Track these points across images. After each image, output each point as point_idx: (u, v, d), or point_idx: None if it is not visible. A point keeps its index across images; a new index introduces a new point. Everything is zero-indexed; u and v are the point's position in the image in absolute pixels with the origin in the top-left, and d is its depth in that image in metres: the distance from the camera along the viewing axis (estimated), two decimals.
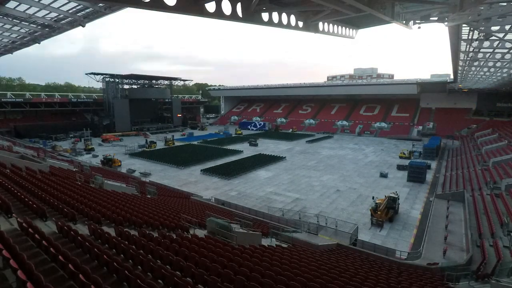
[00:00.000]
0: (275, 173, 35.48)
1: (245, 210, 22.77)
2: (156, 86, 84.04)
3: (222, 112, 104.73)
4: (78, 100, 77.68)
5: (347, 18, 12.21)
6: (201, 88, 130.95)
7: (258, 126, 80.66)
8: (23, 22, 16.08)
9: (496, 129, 46.98)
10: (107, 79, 69.88)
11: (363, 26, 15.50)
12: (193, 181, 32.54)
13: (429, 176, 33.28)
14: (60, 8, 13.97)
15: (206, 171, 35.79)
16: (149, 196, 23.85)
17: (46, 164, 26.65)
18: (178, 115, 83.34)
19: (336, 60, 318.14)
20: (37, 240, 7.57)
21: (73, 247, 8.34)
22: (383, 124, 68.74)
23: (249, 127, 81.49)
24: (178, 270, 7.91)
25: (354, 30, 15.42)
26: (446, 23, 11.66)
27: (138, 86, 79.44)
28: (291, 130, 76.39)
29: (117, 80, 71.54)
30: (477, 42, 15.86)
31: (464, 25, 12.86)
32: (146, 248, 9.01)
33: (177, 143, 57.69)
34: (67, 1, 13.01)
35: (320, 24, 13.04)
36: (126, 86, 76.85)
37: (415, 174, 31.36)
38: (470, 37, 15.32)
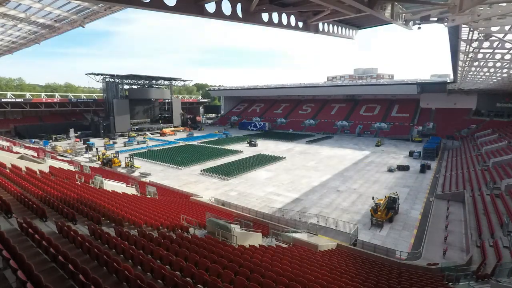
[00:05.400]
0: (275, 173, 35.48)
1: (245, 210, 22.77)
2: (156, 86, 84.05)
3: (222, 112, 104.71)
4: (78, 100, 77.75)
5: (347, 18, 12.22)
6: (201, 88, 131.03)
7: (258, 127, 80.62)
8: (23, 22, 16.09)
9: (496, 129, 46.98)
10: (107, 79, 69.85)
11: (363, 27, 15.50)
12: (193, 181, 32.53)
13: (429, 177, 33.38)
14: (60, 8, 13.97)
15: (206, 171, 35.78)
16: (149, 196, 23.86)
17: (46, 164, 26.66)
18: (179, 114, 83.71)
19: (336, 60, 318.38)
20: (37, 240, 7.57)
21: (73, 247, 8.34)
22: (383, 124, 68.70)
23: (249, 127, 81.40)
24: (178, 271, 7.92)
25: (354, 30, 15.41)
26: (445, 23, 11.67)
27: (138, 86, 79.44)
28: (291, 130, 76.63)
29: (117, 80, 71.51)
30: (476, 42, 15.86)
31: (463, 25, 12.87)
32: (146, 248, 9.01)
33: (176, 143, 57.73)
34: (67, 1, 13.01)
35: (320, 24, 13.05)
36: (126, 86, 76.85)
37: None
38: (469, 38, 15.33)
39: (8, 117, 67.25)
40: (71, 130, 56.01)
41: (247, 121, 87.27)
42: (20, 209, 11.78)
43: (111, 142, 56.51)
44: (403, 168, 36.13)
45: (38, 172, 22.28)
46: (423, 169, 35.40)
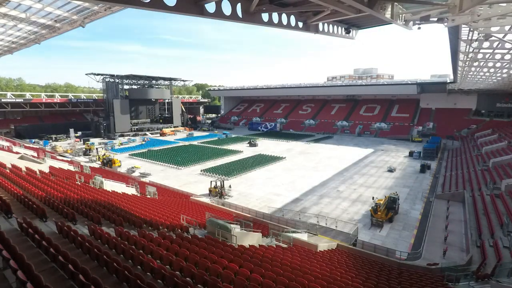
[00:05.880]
0: (275, 173, 35.47)
1: (245, 210, 22.77)
2: (156, 86, 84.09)
3: (222, 112, 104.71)
4: (78, 100, 77.79)
5: (347, 18, 12.22)
6: (201, 88, 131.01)
7: (269, 127, 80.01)
8: (23, 23, 16.09)
9: (496, 129, 46.98)
10: (107, 79, 69.86)
11: (363, 27, 15.50)
12: (193, 181, 32.52)
13: (429, 177, 33.39)
14: (60, 9, 13.98)
15: (206, 171, 35.79)
16: (149, 197, 23.87)
17: (46, 165, 26.66)
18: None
19: (336, 60, 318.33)
20: (37, 240, 7.57)
21: (73, 247, 8.34)
22: (383, 125, 68.71)
23: (259, 128, 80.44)
24: (178, 271, 7.92)
25: (354, 30, 15.42)
26: (445, 23, 11.67)
27: (138, 86, 79.47)
28: (291, 130, 76.67)
29: (117, 81, 71.54)
30: (476, 42, 15.87)
31: (463, 25, 12.87)
32: (146, 248, 9.01)
33: (177, 144, 57.75)
34: (67, 1, 13.02)
35: (320, 24, 13.06)
36: (126, 87, 76.88)
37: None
38: (469, 38, 15.34)
39: (8, 117, 67.26)
40: (71, 130, 56.07)
41: (255, 122, 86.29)
42: (20, 209, 11.78)
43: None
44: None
45: (38, 172, 22.28)
46: (423, 169, 35.42)
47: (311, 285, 8.48)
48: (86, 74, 66.44)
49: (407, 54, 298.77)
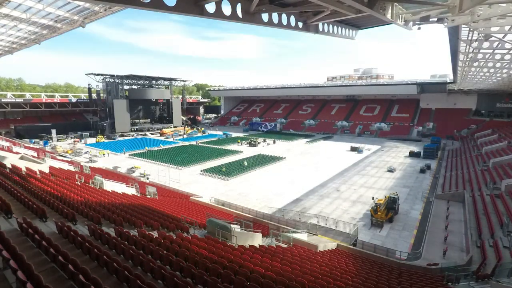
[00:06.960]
0: (275, 173, 35.47)
1: (245, 210, 22.77)
2: (156, 86, 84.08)
3: (222, 112, 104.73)
4: (78, 100, 77.79)
5: (347, 18, 12.24)
6: (201, 88, 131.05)
7: (269, 128, 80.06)
8: (23, 23, 16.12)
9: (496, 129, 46.99)
10: (107, 80, 69.84)
11: (363, 27, 15.52)
12: (193, 181, 32.53)
13: (429, 177, 33.39)
14: (61, 9, 14.02)
15: (206, 171, 35.80)
16: (149, 197, 23.88)
17: (46, 165, 26.67)
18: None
19: (336, 60, 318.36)
20: (37, 241, 7.57)
21: (73, 248, 8.34)
22: (383, 125, 68.71)
23: (259, 128, 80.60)
24: (178, 271, 7.92)
25: (354, 30, 15.43)
26: (445, 24, 11.68)
27: (138, 86, 79.45)
28: (291, 130, 76.66)
29: (117, 81, 71.51)
30: (476, 42, 15.87)
31: (463, 25, 12.87)
32: (146, 248, 9.01)
33: (177, 144, 57.72)
34: (68, 1, 13.04)
35: (320, 24, 13.07)
36: (126, 87, 76.84)
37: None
38: (469, 38, 15.34)
39: (8, 117, 67.28)
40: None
41: (257, 122, 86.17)
42: (20, 209, 11.77)
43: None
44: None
45: (38, 172, 22.28)
46: (423, 169, 35.45)
47: (311, 285, 8.48)
48: (86, 74, 66.42)
49: (407, 54, 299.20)
